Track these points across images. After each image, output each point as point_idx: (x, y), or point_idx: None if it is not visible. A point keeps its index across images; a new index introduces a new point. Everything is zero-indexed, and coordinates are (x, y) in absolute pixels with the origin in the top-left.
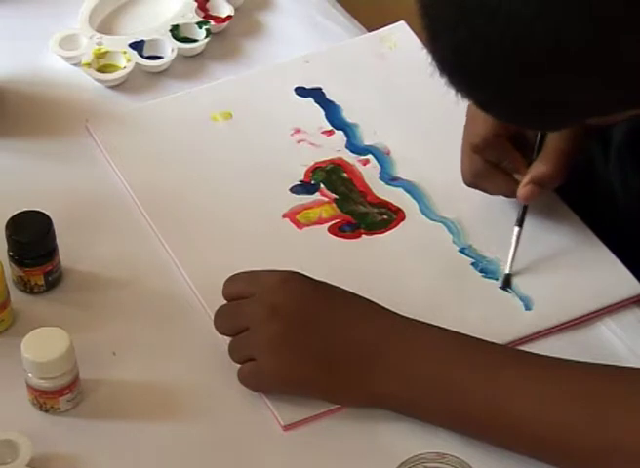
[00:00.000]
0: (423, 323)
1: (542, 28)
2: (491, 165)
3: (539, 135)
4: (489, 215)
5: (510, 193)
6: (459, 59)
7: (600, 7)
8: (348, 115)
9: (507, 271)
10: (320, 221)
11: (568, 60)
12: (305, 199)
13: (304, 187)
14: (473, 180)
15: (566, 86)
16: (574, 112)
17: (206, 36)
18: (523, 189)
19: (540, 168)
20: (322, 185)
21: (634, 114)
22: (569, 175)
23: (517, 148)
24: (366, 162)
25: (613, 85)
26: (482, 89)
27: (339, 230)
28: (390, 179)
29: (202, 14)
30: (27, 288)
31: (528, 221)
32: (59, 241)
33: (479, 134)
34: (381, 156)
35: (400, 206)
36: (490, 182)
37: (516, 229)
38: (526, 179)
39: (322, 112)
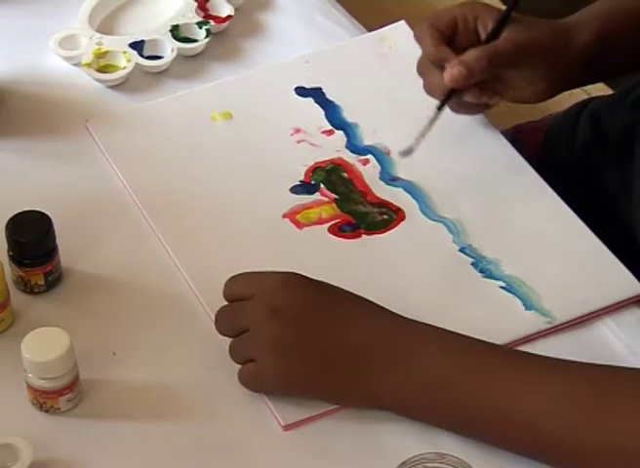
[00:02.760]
0: (423, 323)
1: None
2: (433, 61)
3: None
4: (489, 216)
5: (438, 89)
6: None
7: None
8: (348, 115)
9: (412, 144)
10: (320, 221)
11: None
12: (305, 199)
13: (304, 187)
14: (419, 69)
15: None
16: None
17: (206, 36)
18: (450, 70)
19: (470, 53)
20: (322, 185)
21: None
22: (490, 68)
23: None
24: (366, 162)
25: None
26: None
27: (339, 230)
28: (390, 179)
29: (202, 14)
30: (27, 288)
31: (528, 223)
32: (59, 241)
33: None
34: (381, 156)
35: (400, 206)
36: (428, 76)
37: (435, 111)
38: (454, 62)
39: (322, 112)
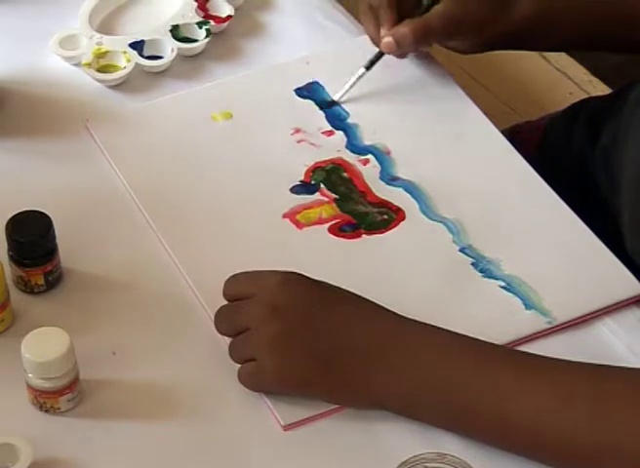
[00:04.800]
0: (423, 323)
1: None
2: (370, 8)
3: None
4: (489, 216)
5: (374, 40)
6: None
7: None
8: (348, 115)
9: (336, 98)
10: (320, 221)
11: None
12: (305, 199)
13: (304, 187)
14: (360, 13)
15: None
16: None
17: (206, 36)
18: (385, 40)
19: (399, 28)
20: (322, 185)
21: None
22: (422, 41)
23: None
24: (366, 162)
25: None
26: None
27: (339, 230)
28: (390, 179)
29: (202, 14)
30: (27, 288)
31: (528, 223)
32: (59, 241)
33: None
34: (381, 156)
35: (400, 206)
36: (365, 23)
37: (362, 70)
38: (387, 32)
39: (322, 112)
